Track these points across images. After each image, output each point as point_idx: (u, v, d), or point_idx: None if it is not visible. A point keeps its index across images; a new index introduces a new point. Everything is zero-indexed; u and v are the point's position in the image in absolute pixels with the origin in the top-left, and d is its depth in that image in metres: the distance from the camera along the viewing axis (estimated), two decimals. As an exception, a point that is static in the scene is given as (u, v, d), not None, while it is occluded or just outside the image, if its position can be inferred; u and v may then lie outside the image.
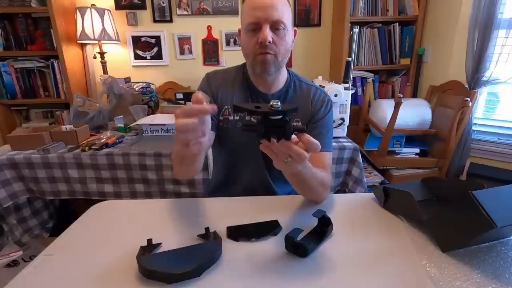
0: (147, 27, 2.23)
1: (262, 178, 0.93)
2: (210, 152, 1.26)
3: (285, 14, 0.77)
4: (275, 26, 0.76)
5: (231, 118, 0.88)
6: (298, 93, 0.90)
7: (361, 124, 2.08)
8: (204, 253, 0.55)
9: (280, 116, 0.47)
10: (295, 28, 0.85)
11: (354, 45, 1.78)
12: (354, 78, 2.16)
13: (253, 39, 0.77)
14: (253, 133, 0.48)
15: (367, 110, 2.04)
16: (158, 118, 1.66)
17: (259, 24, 0.75)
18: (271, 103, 0.46)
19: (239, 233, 0.64)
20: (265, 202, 0.79)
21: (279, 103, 0.46)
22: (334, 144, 1.48)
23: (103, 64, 2.12)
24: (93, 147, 1.42)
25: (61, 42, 1.93)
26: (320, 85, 1.53)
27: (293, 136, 0.50)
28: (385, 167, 1.78)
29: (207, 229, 0.63)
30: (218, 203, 0.79)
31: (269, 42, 0.75)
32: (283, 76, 0.88)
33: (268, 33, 0.74)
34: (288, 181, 0.69)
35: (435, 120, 1.83)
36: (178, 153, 0.67)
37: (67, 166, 1.41)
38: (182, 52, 2.29)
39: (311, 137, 0.50)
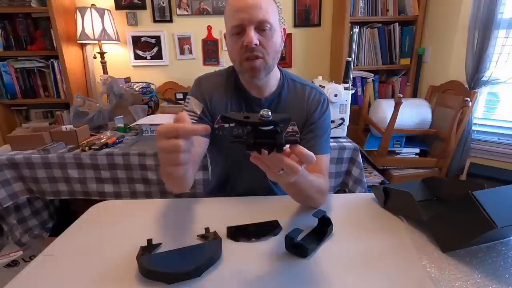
0: (147, 27, 2.22)
1: (262, 182, 0.89)
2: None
3: (270, 12, 0.71)
4: (261, 27, 0.71)
5: (226, 125, 0.83)
6: (292, 94, 0.85)
7: (361, 124, 2.08)
8: (204, 253, 0.55)
9: (271, 127, 0.43)
10: (284, 26, 0.80)
11: (354, 45, 1.77)
12: (354, 78, 2.15)
13: (238, 43, 0.72)
14: (242, 145, 0.44)
15: (367, 110, 2.04)
16: (158, 118, 1.66)
17: (243, 27, 0.70)
18: (261, 113, 0.42)
19: (239, 233, 0.64)
20: (265, 202, 0.79)
21: (270, 113, 0.42)
22: (334, 144, 1.48)
23: (103, 64, 2.12)
24: (93, 147, 1.42)
25: (61, 42, 1.93)
26: (320, 85, 1.54)
27: (287, 146, 0.46)
28: (385, 167, 1.78)
29: (207, 229, 0.63)
30: (218, 203, 0.79)
31: (256, 45, 0.70)
32: (275, 77, 0.84)
33: (253, 36, 0.69)
34: None
35: (435, 120, 1.83)
36: (164, 171, 0.62)
37: (67, 166, 1.41)
38: (182, 52, 2.29)
39: (305, 149, 0.46)
